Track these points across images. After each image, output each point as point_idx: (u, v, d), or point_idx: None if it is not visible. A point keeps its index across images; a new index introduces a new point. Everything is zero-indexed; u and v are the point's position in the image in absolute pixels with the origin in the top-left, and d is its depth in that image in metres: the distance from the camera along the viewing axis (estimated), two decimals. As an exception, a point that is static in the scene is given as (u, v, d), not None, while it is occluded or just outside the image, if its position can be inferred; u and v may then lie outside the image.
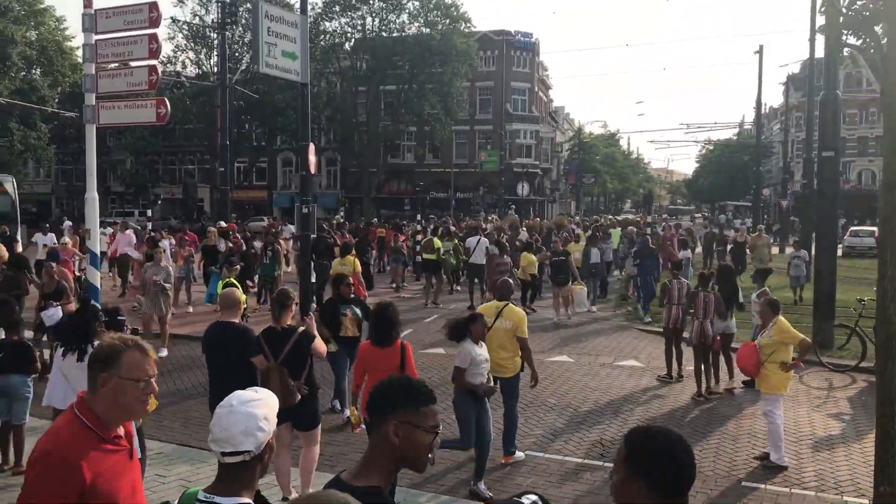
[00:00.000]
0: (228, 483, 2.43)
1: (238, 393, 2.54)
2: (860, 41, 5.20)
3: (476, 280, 19.20)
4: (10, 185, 29.54)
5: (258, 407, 2.46)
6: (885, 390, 5.16)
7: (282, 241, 20.73)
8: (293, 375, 6.41)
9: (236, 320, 6.79)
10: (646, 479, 2.22)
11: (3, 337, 7.45)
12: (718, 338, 10.94)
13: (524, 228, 27.83)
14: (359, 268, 14.55)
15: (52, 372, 6.63)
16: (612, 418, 9.77)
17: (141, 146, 57.01)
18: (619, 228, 28.07)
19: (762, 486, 7.52)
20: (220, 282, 14.16)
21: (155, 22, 8.49)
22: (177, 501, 2.46)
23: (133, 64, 8.97)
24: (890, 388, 5.14)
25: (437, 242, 20.29)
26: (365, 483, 2.50)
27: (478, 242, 19.55)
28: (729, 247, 26.90)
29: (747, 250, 24.15)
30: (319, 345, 6.79)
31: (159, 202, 56.75)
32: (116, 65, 9.18)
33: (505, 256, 17.18)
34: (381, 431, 2.55)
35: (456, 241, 21.45)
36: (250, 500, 2.39)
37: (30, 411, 7.45)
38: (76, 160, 57.70)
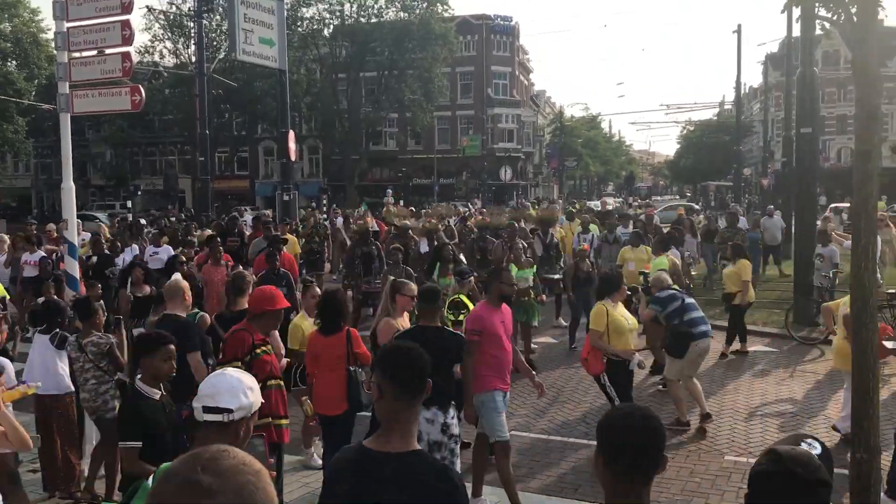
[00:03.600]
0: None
1: (229, 368, 2.85)
2: (833, 14, 5.20)
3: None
4: (-13, 179, 29.34)
5: (246, 378, 2.64)
6: (862, 360, 5.21)
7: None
8: None
9: (182, 313, 6.43)
10: (600, 450, 2.39)
11: None
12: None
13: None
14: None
15: None
16: (596, 397, 9.82)
17: (120, 138, 56.33)
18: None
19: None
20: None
21: (127, 8, 8.38)
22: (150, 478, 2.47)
23: (106, 51, 8.87)
24: (866, 357, 5.19)
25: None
26: (411, 447, 2.61)
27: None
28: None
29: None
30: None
31: (139, 193, 56.33)
32: (89, 52, 9.07)
33: None
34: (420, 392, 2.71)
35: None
36: None
37: None
38: (55, 153, 56.77)
